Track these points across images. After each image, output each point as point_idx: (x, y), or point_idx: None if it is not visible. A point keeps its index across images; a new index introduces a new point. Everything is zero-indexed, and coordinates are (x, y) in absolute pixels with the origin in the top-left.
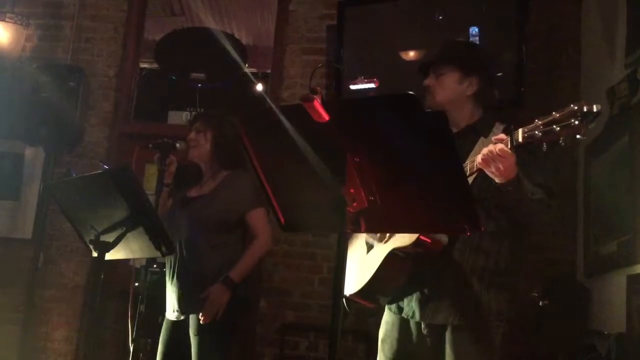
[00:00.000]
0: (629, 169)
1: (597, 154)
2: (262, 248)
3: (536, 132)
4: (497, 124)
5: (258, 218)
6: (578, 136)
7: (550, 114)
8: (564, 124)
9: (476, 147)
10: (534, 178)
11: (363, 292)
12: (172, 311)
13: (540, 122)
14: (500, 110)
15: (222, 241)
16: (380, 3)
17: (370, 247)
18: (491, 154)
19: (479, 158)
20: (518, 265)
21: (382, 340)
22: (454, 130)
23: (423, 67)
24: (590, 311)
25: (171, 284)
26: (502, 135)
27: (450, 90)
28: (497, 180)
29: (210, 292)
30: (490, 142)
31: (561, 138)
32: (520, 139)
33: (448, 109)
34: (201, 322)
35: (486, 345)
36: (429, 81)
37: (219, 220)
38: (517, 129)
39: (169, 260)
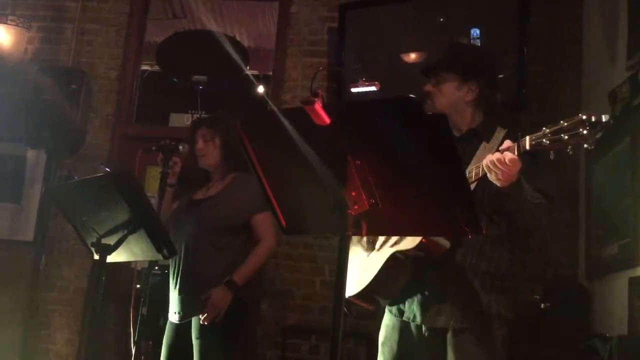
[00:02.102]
0: (630, 171)
1: (599, 156)
2: (267, 252)
3: (544, 140)
4: (498, 129)
5: (264, 222)
6: (585, 145)
7: (558, 122)
8: (572, 133)
9: (478, 152)
10: (534, 183)
11: (363, 294)
12: (174, 313)
13: (548, 130)
14: (501, 113)
15: (226, 244)
16: (382, 5)
17: (371, 249)
18: (499, 162)
19: (485, 167)
20: (519, 269)
21: (382, 343)
22: (456, 134)
23: (425, 71)
24: (591, 314)
25: (174, 285)
26: (509, 142)
27: (449, 97)
28: (498, 184)
29: (212, 294)
30: (492, 147)
31: (569, 147)
32: (527, 147)
33: (448, 113)
34: (201, 322)
35: (488, 349)
36: (428, 87)
37: (225, 222)
38: (524, 136)
39: (173, 262)
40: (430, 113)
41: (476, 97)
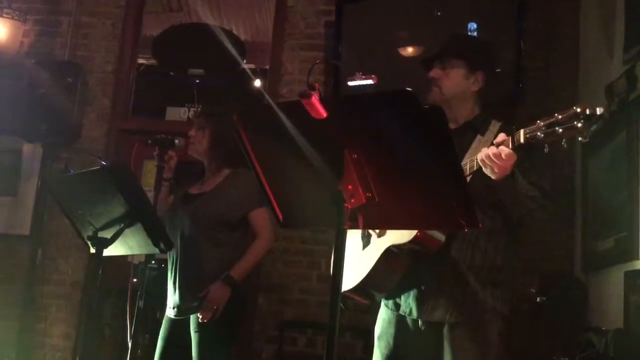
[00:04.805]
0: (626, 165)
1: (595, 149)
2: (264, 247)
3: (538, 134)
4: (493, 122)
5: (261, 217)
6: (580, 138)
7: (552, 115)
8: (566, 125)
9: (473, 145)
10: (528, 176)
11: (359, 288)
12: (171, 308)
13: (542, 124)
14: (498, 107)
15: (222, 239)
16: None
17: (366, 243)
18: (495, 156)
19: (479, 160)
20: (514, 262)
21: (378, 338)
22: (452, 126)
23: (427, 60)
24: (587, 307)
25: (172, 281)
26: (503, 136)
27: (457, 85)
28: (493, 177)
29: (210, 290)
30: (487, 140)
31: (563, 140)
32: (522, 140)
33: (452, 103)
34: (200, 320)
35: (484, 342)
36: (434, 73)
37: (220, 218)
38: (518, 129)
39: (170, 257)
40: (427, 106)
41: (480, 89)
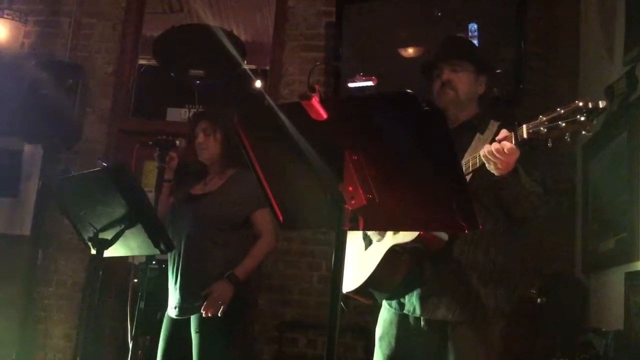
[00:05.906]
0: (627, 166)
1: (596, 151)
2: (267, 247)
3: (541, 129)
4: (492, 121)
5: (264, 218)
6: (583, 132)
7: (555, 110)
8: (569, 120)
9: (473, 144)
10: (531, 174)
11: (361, 289)
12: (173, 308)
13: (545, 119)
14: (498, 107)
15: (225, 239)
16: (379, 0)
17: (368, 243)
18: (498, 152)
19: (482, 156)
20: (516, 262)
21: (380, 338)
22: (451, 126)
23: (433, 62)
24: (588, 308)
25: (173, 281)
26: (505, 132)
27: (469, 87)
28: (496, 173)
29: (214, 288)
30: (486, 138)
31: (566, 134)
32: (525, 135)
33: (463, 105)
34: (203, 315)
35: (486, 341)
36: (448, 75)
37: (224, 218)
38: (520, 124)
39: (171, 257)
40: (427, 108)
41: (484, 93)
